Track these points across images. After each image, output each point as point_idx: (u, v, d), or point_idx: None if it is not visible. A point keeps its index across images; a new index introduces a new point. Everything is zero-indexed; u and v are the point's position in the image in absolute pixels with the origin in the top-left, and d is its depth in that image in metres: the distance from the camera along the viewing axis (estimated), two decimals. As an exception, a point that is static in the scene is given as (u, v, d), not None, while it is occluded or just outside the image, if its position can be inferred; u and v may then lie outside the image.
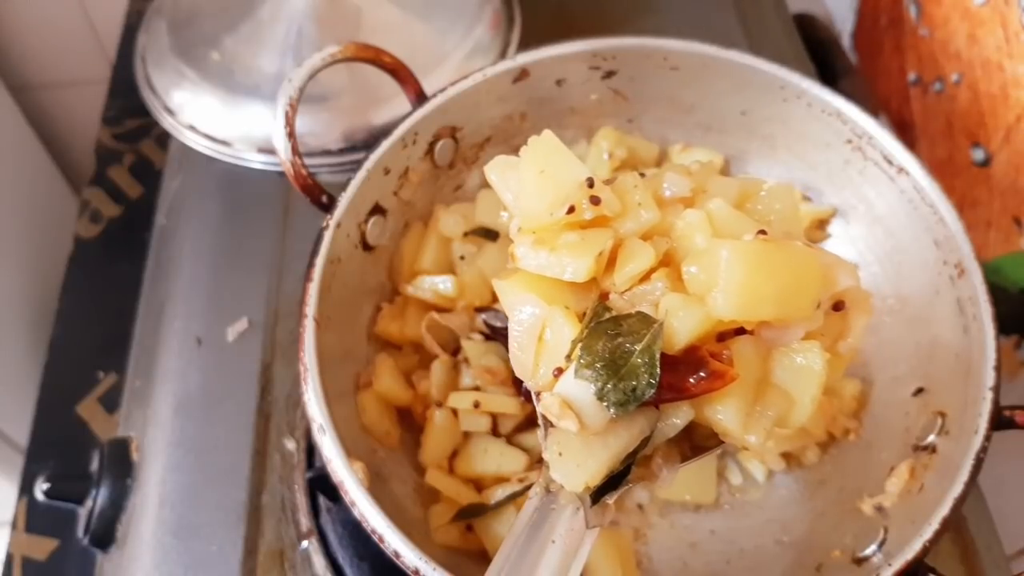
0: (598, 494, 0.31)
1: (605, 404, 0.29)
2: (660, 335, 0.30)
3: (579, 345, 0.30)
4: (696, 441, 0.34)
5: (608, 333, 0.30)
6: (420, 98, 0.49)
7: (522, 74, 0.51)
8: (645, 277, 0.32)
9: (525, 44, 0.68)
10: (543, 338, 0.31)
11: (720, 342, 0.32)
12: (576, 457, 0.30)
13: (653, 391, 0.29)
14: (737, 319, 0.30)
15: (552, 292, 0.32)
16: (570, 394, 0.30)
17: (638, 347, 0.29)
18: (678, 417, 0.31)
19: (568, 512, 0.31)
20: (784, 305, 0.30)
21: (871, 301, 0.34)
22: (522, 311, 0.32)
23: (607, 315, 0.31)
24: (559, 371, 0.31)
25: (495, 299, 0.51)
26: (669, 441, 0.32)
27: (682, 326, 0.30)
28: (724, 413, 0.30)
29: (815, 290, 0.31)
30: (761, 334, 0.32)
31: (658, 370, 0.29)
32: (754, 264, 0.30)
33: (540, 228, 0.33)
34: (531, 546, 0.30)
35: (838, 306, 0.33)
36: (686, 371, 0.30)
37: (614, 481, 0.31)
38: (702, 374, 0.30)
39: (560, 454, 0.30)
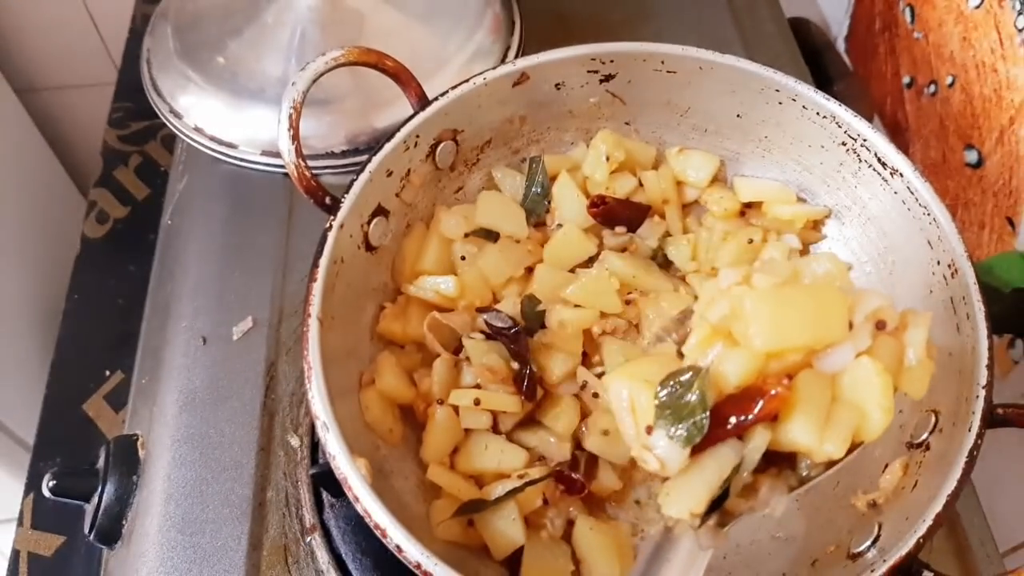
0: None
1: (676, 442, 0.36)
2: (706, 376, 0.36)
3: (654, 403, 0.37)
4: (800, 471, 0.39)
5: (670, 386, 0.37)
6: (422, 101, 0.50)
7: (522, 78, 0.51)
8: (707, 345, 0.38)
9: (525, 49, 0.69)
10: (635, 409, 0.38)
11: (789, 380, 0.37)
12: (678, 493, 0.37)
13: (707, 421, 0.36)
14: (774, 348, 0.36)
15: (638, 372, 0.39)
16: (654, 443, 0.37)
17: (691, 389, 0.36)
18: (757, 442, 0.37)
19: (683, 541, 0.37)
20: (816, 329, 0.36)
21: (926, 315, 0.38)
22: (617, 395, 0.39)
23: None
24: (649, 428, 0.37)
25: (496, 299, 0.51)
26: (776, 475, 0.38)
27: (732, 368, 0.36)
28: (796, 432, 0.36)
29: (841, 313, 0.36)
30: (816, 365, 0.37)
31: (708, 403, 0.36)
32: (776, 300, 0.36)
33: None
34: (651, 566, 0.37)
35: (880, 325, 0.38)
36: (748, 404, 0.36)
37: (717, 504, 0.37)
38: (761, 403, 0.36)
39: (667, 494, 0.37)
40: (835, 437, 0.36)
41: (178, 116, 0.65)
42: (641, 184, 0.55)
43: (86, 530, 0.52)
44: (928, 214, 0.46)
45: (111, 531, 0.52)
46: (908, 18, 0.72)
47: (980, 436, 0.39)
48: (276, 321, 0.57)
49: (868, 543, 0.41)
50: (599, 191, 0.54)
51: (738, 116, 0.53)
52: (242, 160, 0.64)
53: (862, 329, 0.37)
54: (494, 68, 0.51)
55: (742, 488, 0.38)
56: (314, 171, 0.47)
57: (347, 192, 0.46)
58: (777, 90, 0.50)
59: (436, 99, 0.49)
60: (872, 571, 0.37)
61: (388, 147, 0.47)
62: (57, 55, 1.01)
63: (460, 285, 0.50)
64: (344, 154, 0.62)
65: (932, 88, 0.69)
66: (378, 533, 0.37)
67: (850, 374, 0.36)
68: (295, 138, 0.45)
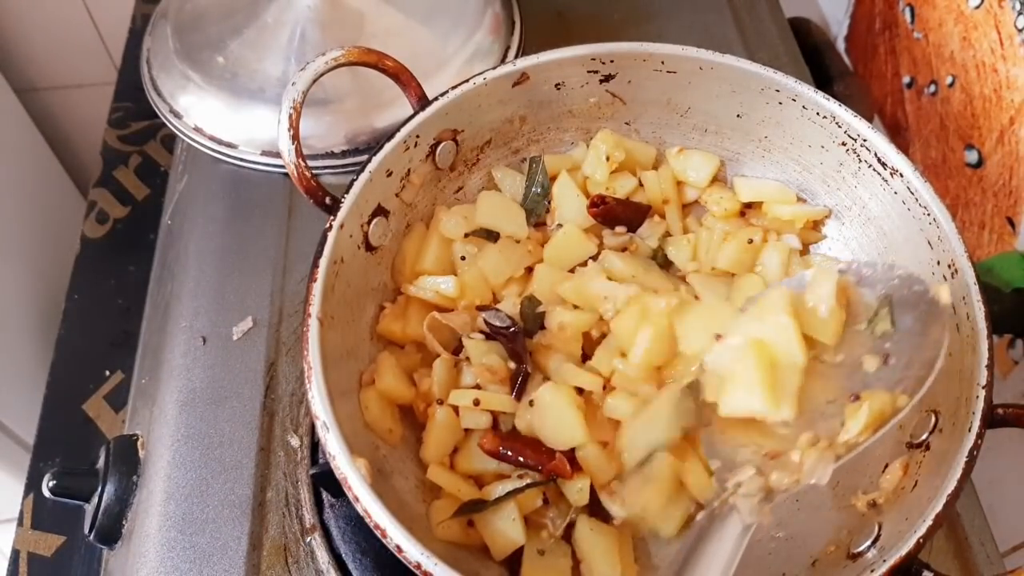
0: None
1: None
2: None
3: None
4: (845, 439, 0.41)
5: None
6: (422, 101, 0.50)
7: (522, 78, 0.52)
8: None
9: (525, 49, 0.69)
10: None
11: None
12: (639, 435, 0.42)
13: None
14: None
15: None
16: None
17: None
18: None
19: (728, 521, 0.39)
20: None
21: (831, 271, 0.43)
22: None
23: None
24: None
25: (496, 299, 0.51)
26: (825, 447, 0.39)
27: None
28: (747, 401, 0.40)
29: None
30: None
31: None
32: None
33: None
34: (697, 544, 0.39)
35: None
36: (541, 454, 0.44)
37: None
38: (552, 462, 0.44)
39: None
40: (782, 399, 0.40)
41: (178, 116, 0.65)
42: (641, 184, 0.55)
43: (86, 530, 0.52)
44: (928, 214, 0.46)
45: (111, 531, 0.52)
46: (908, 18, 0.72)
47: (980, 436, 0.39)
48: (276, 321, 0.57)
49: (868, 543, 0.41)
50: (599, 191, 0.54)
51: (738, 116, 0.53)
52: (242, 160, 0.64)
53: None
54: (494, 68, 0.51)
55: (786, 464, 0.39)
56: (314, 171, 0.47)
57: (347, 192, 0.46)
58: (777, 90, 0.50)
59: (436, 99, 0.49)
60: (872, 571, 0.37)
61: (388, 147, 0.47)
62: (57, 55, 1.02)
63: (460, 285, 0.50)
64: (344, 154, 0.63)
65: (932, 88, 0.69)
66: (378, 533, 0.37)
67: (756, 315, 0.41)
68: (295, 138, 0.45)
